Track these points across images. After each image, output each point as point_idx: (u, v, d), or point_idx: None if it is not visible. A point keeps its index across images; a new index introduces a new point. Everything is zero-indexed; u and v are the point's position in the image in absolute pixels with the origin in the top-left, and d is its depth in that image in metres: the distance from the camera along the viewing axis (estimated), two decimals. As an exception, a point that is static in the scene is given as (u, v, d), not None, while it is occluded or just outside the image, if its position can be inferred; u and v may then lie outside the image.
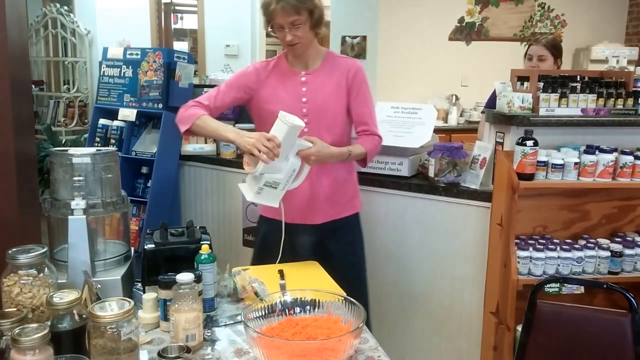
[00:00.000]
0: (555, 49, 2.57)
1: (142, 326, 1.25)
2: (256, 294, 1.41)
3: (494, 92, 2.81)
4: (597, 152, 1.87)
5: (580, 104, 1.96)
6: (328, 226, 1.85)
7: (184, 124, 1.74)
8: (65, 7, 4.92)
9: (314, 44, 1.79)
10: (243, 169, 2.78)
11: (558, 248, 1.88)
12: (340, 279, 1.75)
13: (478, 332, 2.11)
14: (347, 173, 1.89)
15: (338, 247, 1.87)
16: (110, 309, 1.01)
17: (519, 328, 1.66)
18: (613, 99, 1.99)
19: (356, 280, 1.92)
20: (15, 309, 1.10)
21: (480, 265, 2.10)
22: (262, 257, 1.84)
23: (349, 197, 1.90)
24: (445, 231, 2.18)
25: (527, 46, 2.68)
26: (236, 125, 2.93)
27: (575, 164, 1.85)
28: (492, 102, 2.81)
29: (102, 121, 2.99)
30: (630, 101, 2.00)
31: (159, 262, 1.37)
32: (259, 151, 1.51)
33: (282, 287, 1.51)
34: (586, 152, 1.88)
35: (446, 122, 4.83)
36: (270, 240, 1.83)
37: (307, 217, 1.82)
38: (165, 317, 1.25)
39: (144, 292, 1.36)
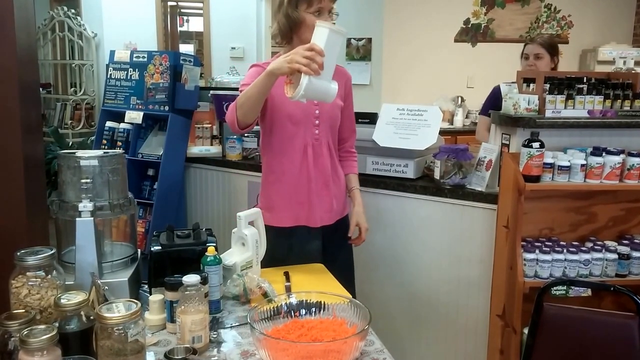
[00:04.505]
0: (552, 47, 2.58)
1: (148, 328, 1.26)
2: (265, 294, 1.41)
3: (491, 93, 2.83)
4: (604, 154, 1.86)
5: (587, 105, 1.95)
6: (332, 227, 1.86)
7: (233, 123, 1.63)
8: (73, 10, 4.96)
9: None
10: (248, 170, 2.82)
11: (565, 250, 1.87)
12: (338, 278, 1.76)
13: (484, 335, 2.11)
14: (341, 173, 1.93)
15: (337, 247, 1.89)
16: (117, 310, 1.02)
17: (526, 331, 1.65)
18: (620, 101, 1.99)
19: (350, 277, 1.94)
20: (23, 310, 1.11)
21: (486, 267, 2.09)
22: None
23: (345, 196, 1.93)
24: (451, 233, 2.18)
25: (523, 46, 2.70)
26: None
27: (582, 165, 1.85)
28: (489, 104, 2.82)
29: (108, 123, 3.01)
30: (637, 103, 1.99)
31: (165, 264, 1.38)
32: (301, 64, 1.35)
33: (288, 289, 1.51)
34: (593, 153, 1.87)
35: (452, 123, 4.83)
36: (279, 250, 1.80)
37: (324, 219, 1.82)
38: (172, 319, 1.25)
39: (151, 294, 1.37)
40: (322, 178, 1.79)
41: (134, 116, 2.89)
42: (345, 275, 1.89)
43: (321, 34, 1.38)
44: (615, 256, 1.89)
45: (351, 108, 1.93)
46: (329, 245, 1.86)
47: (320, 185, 1.79)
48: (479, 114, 2.91)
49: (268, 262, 1.79)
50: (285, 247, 1.80)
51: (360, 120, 2.39)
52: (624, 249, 1.90)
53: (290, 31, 1.70)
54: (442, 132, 2.54)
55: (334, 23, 1.67)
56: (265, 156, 1.85)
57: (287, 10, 1.66)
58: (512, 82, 2.70)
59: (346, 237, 1.92)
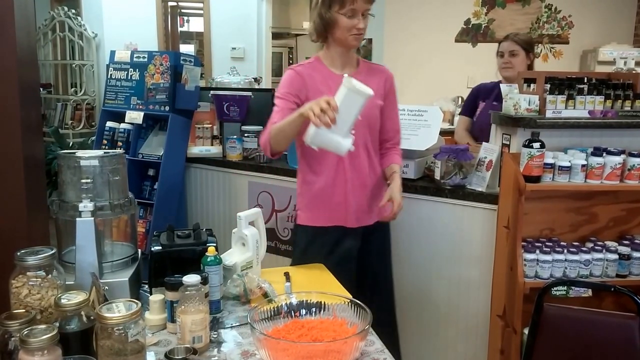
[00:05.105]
0: (527, 44, 2.59)
1: (149, 328, 1.26)
2: (265, 294, 1.42)
3: (470, 94, 2.85)
4: (604, 154, 1.86)
5: (588, 105, 1.95)
6: (370, 229, 1.86)
7: (266, 149, 1.72)
8: (73, 11, 4.96)
9: None
10: (248, 170, 2.82)
11: (565, 251, 1.87)
12: (371, 280, 1.81)
13: (485, 335, 2.10)
14: (384, 176, 1.92)
15: (374, 249, 1.89)
16: (118, 310, 1.02)
17: (526, 331, 1.65)
18: (620, 101, 1.98)
19: (386, 281, 1.96)
20: (23, 310, 1.11)
21: (487, 268, 2.09)
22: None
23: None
24: (452, 234, 2.17)
25: (498, 44, 2.71)
26: (241, 127, 2.95)
27: (583, 166, 1.85)
28: (467, 104, 2.83)
29: (109, 124, 3.01)
30: (638, 103, 1.99)
31: (165, 264, 1.38)
32: (314, 114, 1.40)
33: (288, 289, 1.51)
34: (593, 154, 1.87)
35: (452, 124, 4.81)
36: (313, 249, 1.83)
37: (361, 219, 1.83)
38: (172, 319, 1.25)
39: (151, 294, 1.37)
40: (359, 179, 1.79)
41: (135, 116, 2.89)
42: (381, 278, 1.92)
43: (341, 91, 1.43)
44: (615, 256, 1.88)
45: (392, 107, 1.89)
46: (366, 247, 1.87)
47: (357, 186, 1.79)
48: (458, 114, 2.92)
49: (300, 259, 1.83)
50: (320, 247, 1.82)
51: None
52: (625, 250, 1.90)
53: (324, 31, 1.73)
54: (443, 133, 2.53)
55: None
56: (301, 157, 1.86)
57: (321, 11, 1.69)
58: (492, 81, 2.74)
59: (386, 241, 1.93)
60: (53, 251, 1.22)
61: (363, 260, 1.86)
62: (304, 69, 1.78)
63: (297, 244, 1.90)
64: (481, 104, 2.73)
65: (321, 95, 1.68)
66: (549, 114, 1.93)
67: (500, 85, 2.26)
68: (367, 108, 1.72)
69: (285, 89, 1.74)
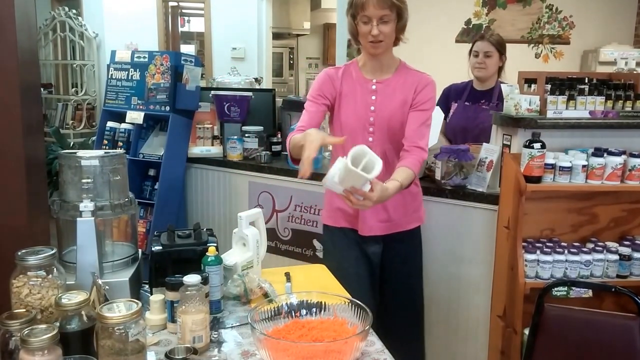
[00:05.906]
0: (500, 45, 2.60)
1: (149, 327, 1.26)
2: (265, 294, 1.42)
3: (442, 95, 2.85)
4: (605, 155, 1.86)
5: (589, 106, 1.95)
6: (390, 237, 1.86)
7: (290, 153, 1.73)
8: (74, 11, 4.97)
9: (390, 51, 1.82)
10: (248, 170, 2.82)
11: (566, 251, 1.87)
12: (391, 291, 1.84)
13: (485, 335, 2.10)
14: (415, 185, 1.90)
15: (396, 257, 1.89)
16: (118, 310, 1.02)
17: (527, 332, 1.65)
18: (621, 101, 1.98)
19: (409, 290, 1.96)
20: (24, 310, 1.11)
21: (487, 268, 2.09)
22: (332, 268, 1.74)
23: (415, 208, 1.91)
24: (452, 234, 2.17)
25: (471, 44, 2.71)
26: (242, 127, 2.95)
27: (583, 166, 1.84)
28: (440, 108, 2.83)
29: (109, 124, 3.01)
30: (638, 103, 1.99)
31: (166, 264, 1.38)
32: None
33: (288, 289, 1.51)
34: (594, 154, 1.86)
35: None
36: (334, 248, 1.87)
37: (374, 228, 1.83)
38: (173, 319, 1.26)
39: (151, 294, 1.37)
40: None
41: (135, 116, 2.90)
42: (402, 290, 1.92)
43: (340, 166, 1.40)
44: (616, 257, 1.88)
45: (417, 113, 1.76)
46: (388, 255, 1.88)
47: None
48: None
49: (325, 257, 1.89)
50: (338, 247, 1.86)
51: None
52: (625, 250, 1.90)
53: (354, 38, 1.79)
54: (443, 133, 2.54)
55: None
56: (332, 158, 1.90)
57: (347, 20, 1.76)
58: (463, 82, 2.74)
59: (406, 247, 1.92)
60: (54, 251, 1.22)
61: (384, 268, 1.88)
62: (335, 72, 1.83)
63: (322, 242, 1.98)
64: (453, 105, 2.74)
65: (347, 98, 1.76)
66: (549, 114, 1.93)
67: (501, 85, 2.26)
68: (389, 115, 1.76)
69: (315, 91, 1.80)
